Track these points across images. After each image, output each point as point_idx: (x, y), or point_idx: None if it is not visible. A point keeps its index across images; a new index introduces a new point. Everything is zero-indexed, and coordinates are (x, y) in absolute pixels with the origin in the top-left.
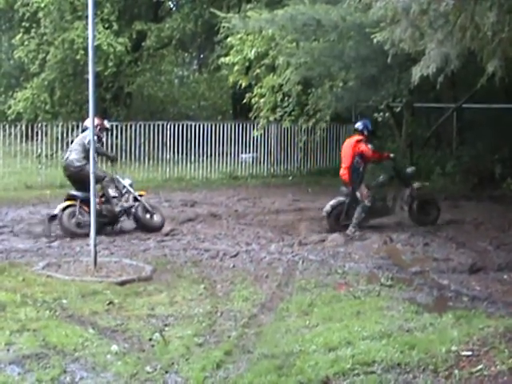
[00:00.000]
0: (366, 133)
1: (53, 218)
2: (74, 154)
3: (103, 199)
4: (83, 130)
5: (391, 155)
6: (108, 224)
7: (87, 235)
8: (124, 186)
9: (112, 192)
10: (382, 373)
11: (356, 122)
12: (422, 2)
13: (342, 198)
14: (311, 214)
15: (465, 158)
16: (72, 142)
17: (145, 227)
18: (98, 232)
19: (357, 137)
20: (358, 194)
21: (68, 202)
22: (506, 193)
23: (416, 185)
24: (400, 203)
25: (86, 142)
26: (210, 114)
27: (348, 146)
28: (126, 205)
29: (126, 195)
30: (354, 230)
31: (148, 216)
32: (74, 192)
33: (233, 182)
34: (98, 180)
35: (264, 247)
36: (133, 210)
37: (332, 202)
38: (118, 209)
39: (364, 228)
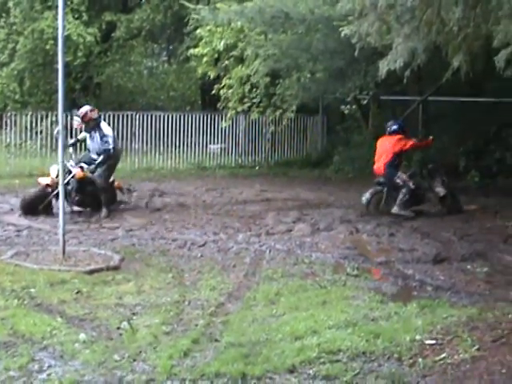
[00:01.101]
0: (402, 131)
1: None
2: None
3: None
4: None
5: (430, 137)
6: None
7: None
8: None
9: None
10: (347, 361)
11: (391, 124)
12: None
13: (379, 187)
14: (278, 205)
15: (430, 151)
16: (41, 131)
17: None
18: None
19: (397, 136)
20: (398, 181)
21: None
22: (470, 185)
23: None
24: (432, 193)
25: None
26: (178, 104)
27: (388, 145)
28: None
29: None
30: (399, 209)
31: None
32: None
33: (201, 172)
34: None
35: (231, 237)
36: None
37: (371, 191)
38: None
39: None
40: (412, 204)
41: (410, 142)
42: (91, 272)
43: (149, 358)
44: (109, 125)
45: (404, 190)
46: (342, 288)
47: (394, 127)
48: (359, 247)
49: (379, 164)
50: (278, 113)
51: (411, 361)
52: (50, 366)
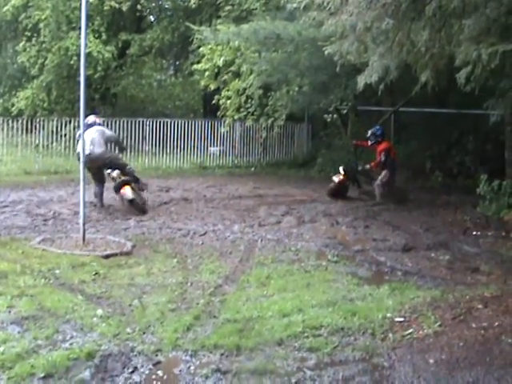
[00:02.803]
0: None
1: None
2: (98, 148)
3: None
4: (90, 125)
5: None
6: None
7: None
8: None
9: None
10: (328, 335)
11: (378, 128)
12: (366, 20)
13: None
14: (269, 200)
15: (400, 155)
16: (65, 134)
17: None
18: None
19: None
20: None
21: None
22: (434, 184)
23: None
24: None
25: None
26: (183, 112)
27: None
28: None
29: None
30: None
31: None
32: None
33: (202, 171)
34: (124, 167)
35: (228, 227)
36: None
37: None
38: (144, 187)
39: None
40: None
41: None
42: (107, 256)
43: (157, 332)
44: (123, 129)
45: None
46: (323, 272)
47: (380, 131)
48: (339, 237)
49: None
50: (269, 121)
51: (383, 335)
52: (71, 337)
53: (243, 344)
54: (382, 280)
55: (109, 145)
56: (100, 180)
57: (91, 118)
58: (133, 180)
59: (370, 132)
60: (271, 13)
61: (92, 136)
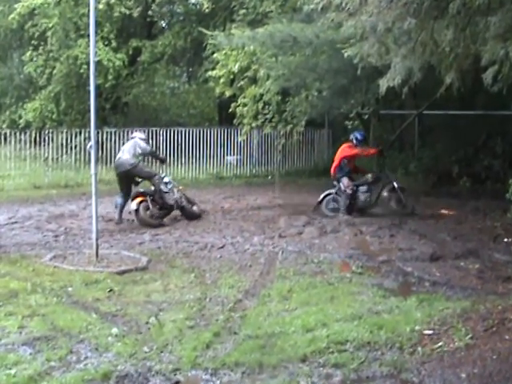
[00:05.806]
0: (354, 141)
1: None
2: (126, 155)
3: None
4: (131, 138)
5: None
6: (165, 215)
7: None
8: (168, 183)
9: (164, 188)
10: (353, 351)
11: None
12: (387, 20)
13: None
14: (289, 210)
15: (425, 159)
16: (75, 146)
17: (189, 216)
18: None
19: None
20: (341, 185)
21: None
22: (462, 190)
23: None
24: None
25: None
26: (198, 121)
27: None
28: (175, 197)
29: (174, 189)
30: (342, 214)
31: (190, 206)
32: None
33: (219, 181)
34: (150, 177)
35: (247, 239)
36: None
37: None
38: (171, 202)
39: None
40: (355, 209)
41: (357, 151)
42: (122, 272)
43: (175, 350)
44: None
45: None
46: (348, 285)
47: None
48: (363, 247)
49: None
50: (288, 127)
51: (411, 349)
52: (86, 358)
53: (265, 361)
54: (410, 291)
55: (144, 157)
56: (125, 191)
57: (134, 133)
58: (155, 192)
59: (360, 138)
60: (287, 15)
61: (125, 146)
